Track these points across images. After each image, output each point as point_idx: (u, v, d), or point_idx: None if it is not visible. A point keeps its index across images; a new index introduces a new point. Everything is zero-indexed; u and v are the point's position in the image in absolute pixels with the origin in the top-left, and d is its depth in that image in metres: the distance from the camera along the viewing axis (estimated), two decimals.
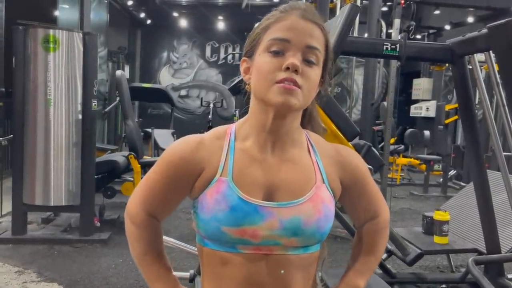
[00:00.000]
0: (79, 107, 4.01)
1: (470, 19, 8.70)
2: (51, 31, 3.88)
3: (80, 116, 4.02)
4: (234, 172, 0.88)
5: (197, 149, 0.90)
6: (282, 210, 0.87)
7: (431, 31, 10.28)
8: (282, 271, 0.88)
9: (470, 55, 2.42)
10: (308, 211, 0.87)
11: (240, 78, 3.39)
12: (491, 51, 2.27)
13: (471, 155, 2.82)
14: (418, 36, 10.20)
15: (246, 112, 0.95)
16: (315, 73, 0.87)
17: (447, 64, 7.53)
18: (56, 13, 7.10)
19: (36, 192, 3.99)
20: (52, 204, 4.04)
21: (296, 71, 0.83)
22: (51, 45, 3.86)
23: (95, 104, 4.04)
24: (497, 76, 2.26)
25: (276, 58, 0.84)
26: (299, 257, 0.90)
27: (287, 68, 0.83)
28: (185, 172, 0.89)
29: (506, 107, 2.24)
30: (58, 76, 3.91)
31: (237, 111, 2.89)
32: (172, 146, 0.93)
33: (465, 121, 2.73)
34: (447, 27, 9.45)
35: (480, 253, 3.10)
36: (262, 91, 0.85)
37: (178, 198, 0.94)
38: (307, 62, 0.85)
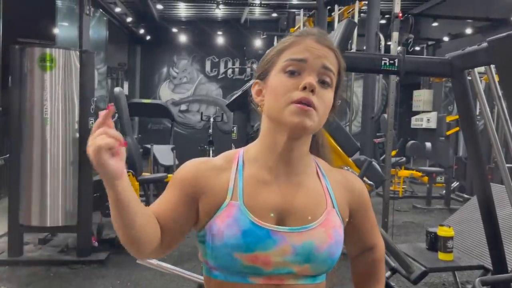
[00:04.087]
0: (76, 126, 3.98)
1: (469, 31, 8.70)
2: (47, 50, 3.86)
3: (77, 135, 3.98)
4: (244, 196, 0.87)
5: (203, 169, 0.91)
6: (294, 235, 0.86)
7: (429, 43, 10.29)
8: None
9: (470, 69, 2.38)
10: (320, 236, 0.86)
11: (238, 94, 3.39)
12: (491, 65, 2.22)
13: (474, 169, 2.76)
14: (417, 48, 10.22)
15: (253, 137, 0.95)
16: (330, 95, 0.87)
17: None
18: (56, 31, 7.12)
19: (33, 212, 3.93)
20: (48, 225, 3.97)
21: (312, 91, 0.83)
22: (48, 64, 3.84)
23: (92, 122, 4.00)
24: (499, 89, 2.22)
25: (292, 78, 0.84)
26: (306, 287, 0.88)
27: (304, 88, 0.83)
28: (190, 189, 0.88)
29: (509, 121, 2.19)
30: (55, 94, 3.88)
31: (235, 128, 2.85)
32: (180, 167, 0.94)
33: (466, 135, 2.67)
34: (446, 38, 9.45)
35: (486, 269, 3.01)
36: (277, 111, 0.85)
37: (184, 217, 0.88)
38: (322, 84, 0.85)
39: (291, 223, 0.87)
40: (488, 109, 2.41)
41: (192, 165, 0.93)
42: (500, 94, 2.22)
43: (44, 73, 3.85)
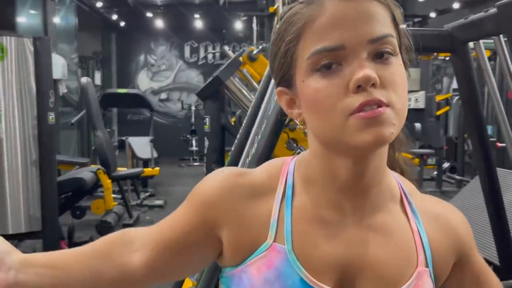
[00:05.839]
0: (35, 121, 3.60)
1: (456, 5, 8.41)
2: None
3: (36, 132, 3.61)
4: (294, 238, 0.58)
5: (238, 191, 0.61)
6: None
7: (416, 19, 10.00)
8: None
9: (474, 42, 2.06)
10: None
11: (208, 81, 3.06)
12: (501, 36, 1.91)
13: (478, 154, 2.48)
14: (403, 25, 9.93)
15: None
16: (398, 68, 0.56)
17: (435, 53, 7.24)
18: (16, 19, 6.64)
19: None
20: (10, 232, 3.60)
21: (373, 84, 0.52)
22: None
23: (52, 117, 3.62)
24: (510, 65, 1.90)
25: (332, 76, 0.53)
26: None
27: (359, 87, 0.52)
28: (211, 215, 0.60)
29: None
30: (8, 88, 3.49)
31: (207, 119, 2.52)
32: (207, 179, 0.63)
33: (470, 117, 2.37)
34: (433, 14, 9.17)
35: (489, 263, 2.78)
36: (332, 132, 0.55)
37: (193, 252, 0.62)
38: (380, 57, 0.54)
39: (362, 287, 0.58)
40: (496, 87, 2.11)
41: (223, 182, 0.61)
42: (511, 69, 1.91)
43: None
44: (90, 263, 0.63)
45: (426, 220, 0.63)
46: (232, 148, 1.91)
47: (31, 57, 3.54)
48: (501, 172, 3.16)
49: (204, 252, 0.62)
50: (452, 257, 0.64)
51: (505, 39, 1.87)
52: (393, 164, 0.67)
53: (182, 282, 2.07)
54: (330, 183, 0.59)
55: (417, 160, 7.13)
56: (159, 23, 10.35)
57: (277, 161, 0.65)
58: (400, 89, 0.55)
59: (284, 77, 0.59)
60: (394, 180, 0.64)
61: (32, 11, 6.99)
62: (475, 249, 0.68)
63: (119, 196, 5.19)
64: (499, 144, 5.01)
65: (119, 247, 0.64)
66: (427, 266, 0.61)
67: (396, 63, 0.55)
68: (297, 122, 0.61)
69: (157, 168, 6.07)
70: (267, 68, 2.18)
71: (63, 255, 0.66)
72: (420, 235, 0.61)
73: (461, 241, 0.65)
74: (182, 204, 0.64)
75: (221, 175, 0.63)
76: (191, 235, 0.61)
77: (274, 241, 0.58)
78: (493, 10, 1.81)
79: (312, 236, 0.59)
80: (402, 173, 0.69)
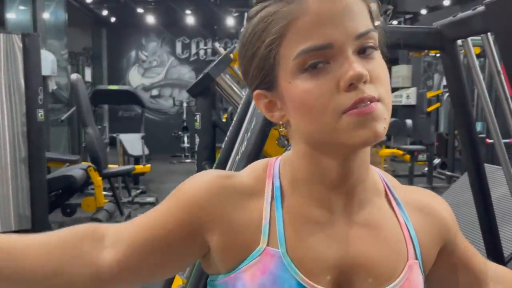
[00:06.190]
0: (24, 119, 3.57)
1: (447, 2, 8.45)
2: None
3: (25, 129, 3.59)
4: (287, 242, 0.57)
5: (223, 193, 0.59)
6: None
7: (407, 16, 10.03)
8: None
9: (463, 39, 2.07)
10: None
11: (199, 78, 3.05)
12: (489, 33, 1.92)
13: (466, 150, 2.50)
14: (395, 22, 9.95)
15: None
16: (381, 62, 0.55)
17: (426, 50, 7.28)
18: (6, 15, 6.56)
19: None
20: (0, 230, 3.58)
21: (364, 81, 0.52)
22: None
23: (41, 115, 3.60)
24: (497, 63, 1.91)
25: (320, 75, 0.52)
26: None
27: (350, 84, 0.51)
28: (197, 217, 0.58)
29: (510, 100, 1.89)
30: None
31: (198, 116, 2.51)
32: (193, 179, 0.61)
33: (459, 115, 2.39)
34: (423, 11, 9.20)
35: None
36: (323, 134, 0.54)
37: (174, 253, 0.59)
38: (363, 52, 0.53)
39: (358, 285, 0.58)
40: (484, 84, 2.12)
41: (210, 183, 0.59)
42: (499, 67, 1.92)
43: None
44: (53, 256, 0.57)
45: (411, 212, 0.64)
46: (222, 146, 1.90)
47: (20, 54, 3.52)
48: (489, 168, 3.19)
49: (183, 253, 0.59)
50: (438, 244, 0.65)
51: (493, 36, 1.88)
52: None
53: (172, 280, 2.07)
54: (318, 183, 0.59)
55: (408, 156, 7.19)
56: (150, 19, 10.27)
57: (261, 163, 0.64)
58: (385, 83, 0.55)
59: (265, 79, 0.57)
60: (377, 175, 0.65)
61: (22, 7, 6.91)
62: (459, 232, 0.68)
63: (110, 193, 5.17)
64: (489, 140, 5.05)
65: (88, 241, 0.58)
66: (416, 258, 0.61)
67: (378, 57, 0.55)
68: (279, 124, 0.60)
69: (149, 165, 6.05)
70: None
71: (22, 242, 0.58)
72: (407, 227, 0.62)
73: (447, 228, 0.66)
74: (164, 202, 0.61)
75: (208, 176, 0.61)
76: (172, 233, 0.58)
77: (267, 245, 0.57)
78: (481, 8, 1.82)
79: (305, 237, 0.58)
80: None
